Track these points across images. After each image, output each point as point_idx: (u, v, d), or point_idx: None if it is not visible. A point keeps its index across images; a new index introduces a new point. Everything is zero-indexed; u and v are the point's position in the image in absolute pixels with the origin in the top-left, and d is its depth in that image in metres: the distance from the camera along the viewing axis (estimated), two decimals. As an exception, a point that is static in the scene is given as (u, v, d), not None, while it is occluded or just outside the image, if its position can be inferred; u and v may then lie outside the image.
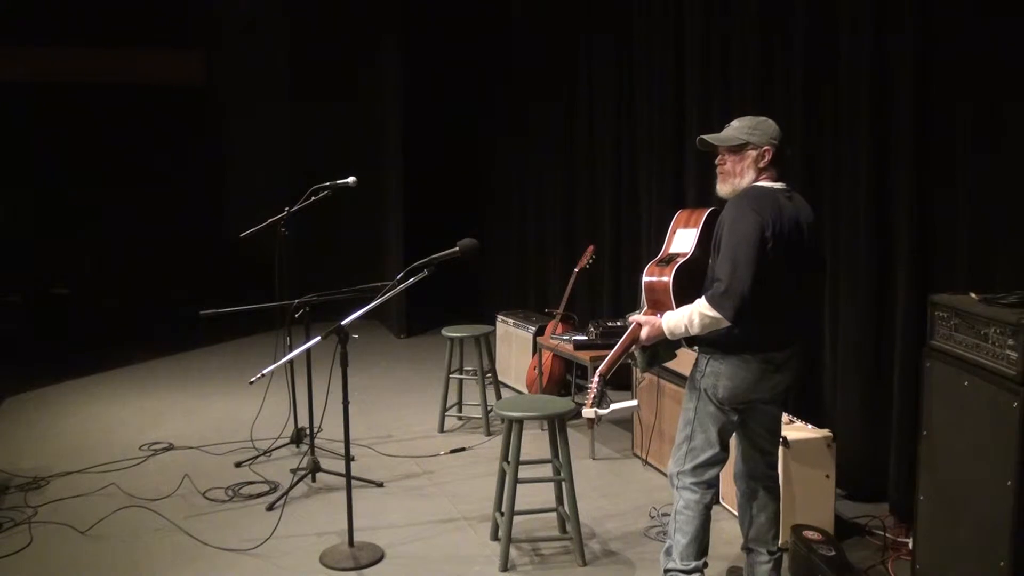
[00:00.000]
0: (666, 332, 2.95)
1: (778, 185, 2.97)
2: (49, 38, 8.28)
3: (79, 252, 8.52)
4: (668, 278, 3.08)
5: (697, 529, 3.03)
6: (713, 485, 3.07)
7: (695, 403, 3.03)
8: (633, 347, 3.11)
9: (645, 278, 3.21)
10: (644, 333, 3.01)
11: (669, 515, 4.04)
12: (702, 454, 3.02)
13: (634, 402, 3.18)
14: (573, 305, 6.01)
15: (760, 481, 3.16)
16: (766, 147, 2.95)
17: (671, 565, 3.06)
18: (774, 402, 3.10)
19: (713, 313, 2.82)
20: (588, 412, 3.08)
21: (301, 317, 4.61)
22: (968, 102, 3.54)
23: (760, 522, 3.16)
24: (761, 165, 2.96)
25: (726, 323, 2.83)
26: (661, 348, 3.08)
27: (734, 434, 3.13)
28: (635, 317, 3.10)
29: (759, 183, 2.96)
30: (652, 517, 4.08)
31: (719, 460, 3.05)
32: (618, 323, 5.30)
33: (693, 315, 2.87)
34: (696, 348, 3.06)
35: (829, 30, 4.18)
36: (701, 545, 3.04)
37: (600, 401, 3.09)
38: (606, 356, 3.13)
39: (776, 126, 3.00)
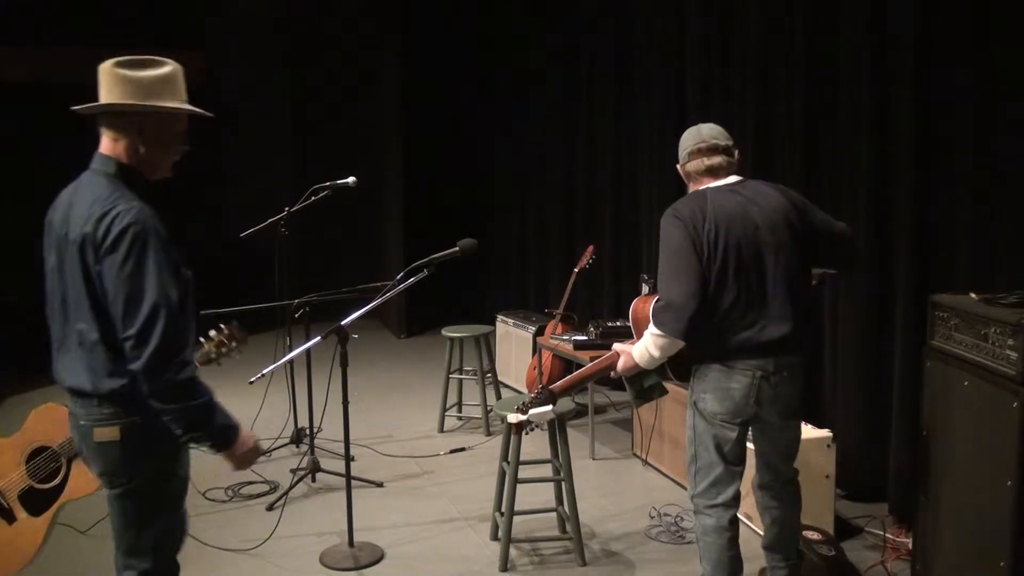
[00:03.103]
0: (636, 360, 2.85)
1: (720, 183, 2.88)
2: (49, 38, 8.27)
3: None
4: (650, 307, 3.02)
5: (720, 553, 2.87)
6: (732, 505, 2.88)
7: (692, 420, 2.92)
8: (623, 379, 3.05)
9: (632, 312, 3.15)
10: (620, 363, 2.93)
11: (669, 515, 4.07)
12: (709, 473, 2.88)
13: (548, 407, 3.12)
14: (573, 305, 6.01)
15: (774, 492, 3.05)
16: (679, 166, 2.99)
17: None
18: (786, 428, 2.93)
19: (657, 331, 2.72)
20: (512, 417, 3.06)
21: (301, 317, 4.62)
22: (969, 102, 3.54)
23: (775, 532, 3.08)
24: (688, 179, 2.98)
25: (679, 340, 2.72)
26: (647, 382, 3.02)
27: (751, 445, 3.00)
28: (617, 346, 2.98)
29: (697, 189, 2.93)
30: (652, 517, 4.08)
31: (729, 477, 2.87)
32: (618, 323, 5.30)
33: (647, 338, 2.78)
34: (680, 381, 2.99)
35: (829, 29, 4.18)
36: (729, 569, 2.89)
37: (529, 407, 3.03)
38: (604, 355, 3.09)
39: (685, 138, 2.97)
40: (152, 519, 2.36)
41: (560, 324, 5.76)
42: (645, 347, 2.80)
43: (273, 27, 9.14)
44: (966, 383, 2.84)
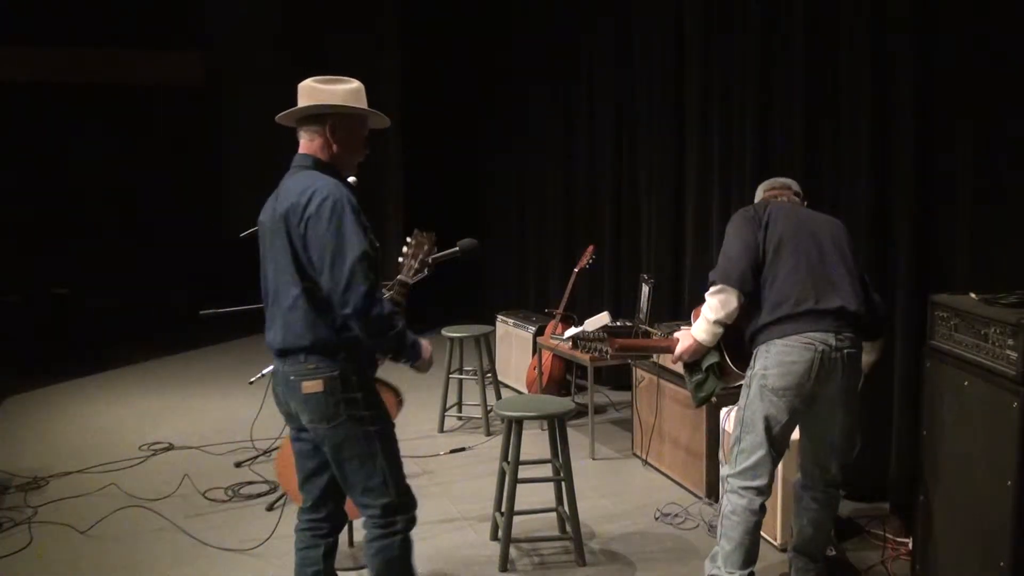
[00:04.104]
0: (694, 335, 3.02)
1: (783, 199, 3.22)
2: (49, 38, 8.28)
3: (79, 252, 8.52)
4: None
5: (743, 535, 2.91)
6: (764, 492, 2.95)
7: (746, 400, 2.98)
8: (683, 369, 3.22)
9: (693, 316, 3.27)
10: (679, 346, 3.08)
11: (669, 515, 4.07)
12: (751, 456, 2.93)
13: (604, 313, 3.26)
14: (573, 305, 6.01)
15: (816, 494, 3.09)
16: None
17: (715, 572, 2.98)
18: (844, 414, 2.99)
19: (714, 287, 2.94)
20: (570, 331, 3.21)
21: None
22: (969, 102, 3.54)
23: (809, 534, 3.11)
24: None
25: (732, 295, 2.91)
26: (705, 361, 3.11)
27: (797, 443, 3.05)
28: (677, 333, 3.17)
29: None
30: (656, 519, 4.08)
31: (769, 462, 2.94)
32: (617, 323, 5.30)
33: (704, 307, 2.99)
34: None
35: (829, 31, 4.18)
36: (747, 553, 2.92)
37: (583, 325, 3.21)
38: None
39: (764, 184, 3.36)
40: (373, 452, 2.64)
41: (560, 324, 5.75)
42: (702, 315, 3.01)
43: (273, 27, 9.14)
44: (966, 383, 2.84)
